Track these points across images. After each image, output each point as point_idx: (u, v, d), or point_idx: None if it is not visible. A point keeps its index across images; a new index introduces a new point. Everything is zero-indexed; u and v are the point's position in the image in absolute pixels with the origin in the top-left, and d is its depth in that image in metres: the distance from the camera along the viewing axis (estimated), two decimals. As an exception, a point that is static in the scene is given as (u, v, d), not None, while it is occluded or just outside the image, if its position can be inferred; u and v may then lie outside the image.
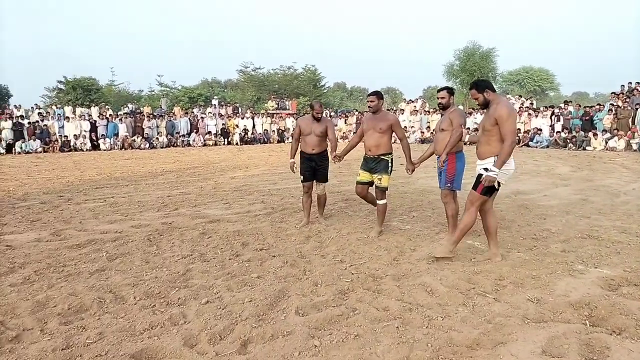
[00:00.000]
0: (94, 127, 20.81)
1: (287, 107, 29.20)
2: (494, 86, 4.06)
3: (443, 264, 4.03)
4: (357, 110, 28.20)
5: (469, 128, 19.45)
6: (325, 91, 40.68)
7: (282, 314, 3.09)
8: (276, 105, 28.35)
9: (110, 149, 19.86)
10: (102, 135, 20.52)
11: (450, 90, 4.82)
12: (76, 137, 20.07)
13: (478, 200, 3.96)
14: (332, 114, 29.49)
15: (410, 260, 4.17)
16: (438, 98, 4.85)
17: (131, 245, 4.80)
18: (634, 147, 15.65)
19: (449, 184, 4.67)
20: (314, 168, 5.59)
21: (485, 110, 4.09)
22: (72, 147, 19.63)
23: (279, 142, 23.74)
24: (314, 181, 5.66)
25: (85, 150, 19.57)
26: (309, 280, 3.68)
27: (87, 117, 21.61)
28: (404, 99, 28.84)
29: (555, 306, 3.12)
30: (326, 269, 3.94)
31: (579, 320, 2.92)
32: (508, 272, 3.80)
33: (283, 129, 24.71)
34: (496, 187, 3.95)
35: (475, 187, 3.98)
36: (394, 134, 5.08)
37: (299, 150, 5.70)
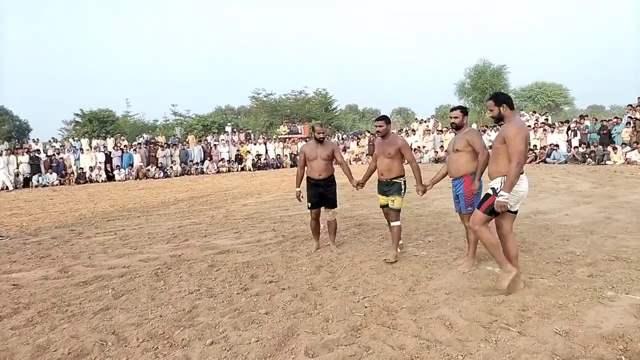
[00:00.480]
0: (108, 159, 21.07)
1: (299, 131, 29.30)
2: (513, 103, 3.88)
3: (462, 294, 3.81)
4: (369, 132, 28.14)
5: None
6: (337, 114, 40.84)
7: (290, 354, 2.90)
8: (288, 130, 28.48)
9: (125, 180, 20.02)
10: (117, 166, 20.74)
11: (463, 110, 4.70)
12: (91, 168, 20.32)
13: (482, 219, 3.77)
14: (344, 136, 29.53)
15: (427, 290, 3.95)
16: (451, 117, 4.74)
17: (138, 281, 4.67)
18: (656, 159, 15.18)
19: (469, 208, 4.49)
20: (322, 194, 5.47)
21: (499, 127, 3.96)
22: (87, 179, 19.84)
23: (291, 166, 23.71)
24: (322, 207, 5.55)
25: (100, 181, 19.76)
26: (319, 316, 3.49)
27: (102, 149, 21.92)
28: (416, 119, 28.70)
29: (586, 339, 2.88)
30: (338, 302, 3.75)
31: (614, 356, 2.68)
32: (532, 301, 3.57)
33: (295, 153, 24.72)
34: (511, 210, 3.76)
35: (479, 206, 3.82)
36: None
37: (304, 177, 5.61)
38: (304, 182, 5.59)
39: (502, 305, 3.52)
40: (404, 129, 27.78)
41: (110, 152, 21.50)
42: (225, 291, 4.22)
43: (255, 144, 24.81)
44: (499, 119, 3.87)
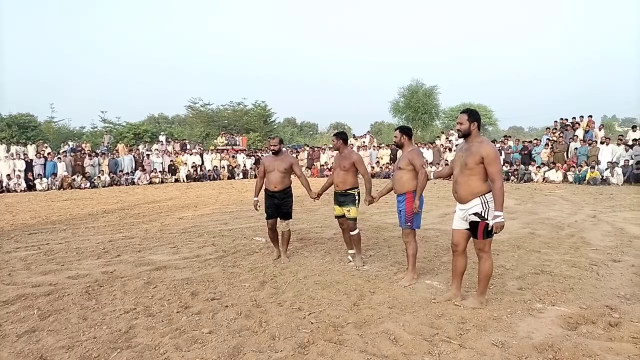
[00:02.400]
0: (29, 167, 19.55)
1: (238, 143, 28.86)
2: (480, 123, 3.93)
3: (404, 308, 3.91)
4: (307, 146, 28.33)
5: (431, 163, 19.98)
6: (275, 127, 40.78)
7: (237, 375, 2.82)
8: (226, 141, 27.96)
9: (48, 190, 18.66)
10: (39, 174, 19.29)
11: (403, 130, 4.87)
12: (9, 177, 18.75)
13: (486, 244, 3.82)
14: (284, 149, 29.47)
15: (370, 305, 4.02)
16: (393, 137, 4.99)
17: (67, 300, 4.34)
18: (570, 179, 16.58)
19: (409, 223, 4.65)
20: (277, 205, 5.66)
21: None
22: (4, 188, 18.27)
23: (229, 178, 23.30)
24: (277, 218, 5.73)
25: (19, 191, 18.27)
26: (265, 334, 3.43)
27: (22, 156, 20.31)
28: (353, 135, 29.32)
29: (520, 350, 3.06)
30: (284, 319, 3.71)
31: (546, 365, 2.86)
32: (470, 313, 3.74)
33: (234, 166, 24.33)
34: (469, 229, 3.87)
35: (475, 235, 3.82)
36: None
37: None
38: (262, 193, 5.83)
39: (442, 319, 3.66)
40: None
41: (31, 160, 19.97)
42: (164, 310, 4.03)
43: (191, 155, 24.12)
44: (465, 135, 3.88)
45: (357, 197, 5.36)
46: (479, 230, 3.77)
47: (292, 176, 5.81)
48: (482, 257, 3.87)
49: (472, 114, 3.88)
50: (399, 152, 5.00)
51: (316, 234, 7.40)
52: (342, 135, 5.50)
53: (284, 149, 5.98)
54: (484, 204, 3.72)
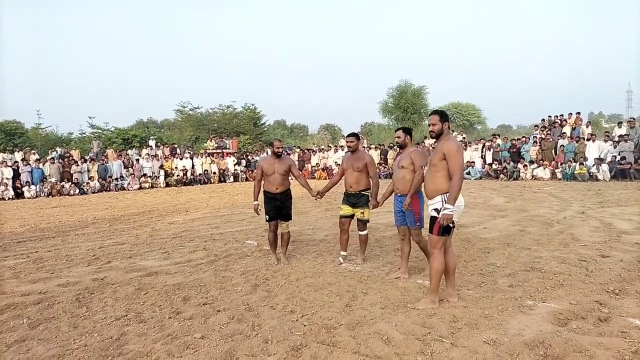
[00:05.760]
0: (17, 174, 19.32)
1: (228, 146, 28.75)
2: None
3: (396, 308, 3.92)
4: (298, 148, 28.31)
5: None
6: (265, 129, 40.69)
7: (230, 380, 2.81)
8: (216, 145, 27.85)
9: (36, 197, 18.45)
10: (27, 182, 19.07)
11: (406, 130, 4.93)
12: (-4, 184, 18.50)
13: (438, 241, 3.87)
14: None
15: (363, 306, 4.02)
16: (395, 137, 5.01)
17: (57, 308, 4.30)
18: (559, 175, 16.75)
19: (418, 223, 4.73)
20: (279, 207, 5.68)
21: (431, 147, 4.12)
22: (-9, 196, 18.02)
23: (219, 182, 23.22)
24: (279, 220, 5.75)
25: (7, 199, 18.04)
26: (258, 337, 3.42)
27: (9, 163, 20.06)
28: (343, 136, 29.36)
29: (511, 347, 3.08)
30: (276, 322, 3.70)
31: (537, 361, 2.88)
32: (461, 312, 3.76)
33: (224, 169, 24.24)
34: (451, 225, 3.90)
35: (431, 230, 3.89)
36: None
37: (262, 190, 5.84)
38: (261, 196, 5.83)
39: (434, 318, 3.67)
40: (334, 145, 28.25)
41: (18, 167, 19.72)
42: (156, 316, 4.01)
43: (181, 159, 23.99)
44: (438, 135, 3.97)
45: (370, 199, 5.41)
46: (435, 226, 3.83)
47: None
48: (433, 254, 3.92)
49: (443, 115, 4.03)
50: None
51: (308, 236, 7.40)
52: (358, 137, 5.60)
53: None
54: (443, 201, 3.80)
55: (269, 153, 5.92)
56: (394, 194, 4.97)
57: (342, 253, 5.62)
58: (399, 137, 4.90)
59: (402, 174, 4.76)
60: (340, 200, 5.71)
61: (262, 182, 5.79)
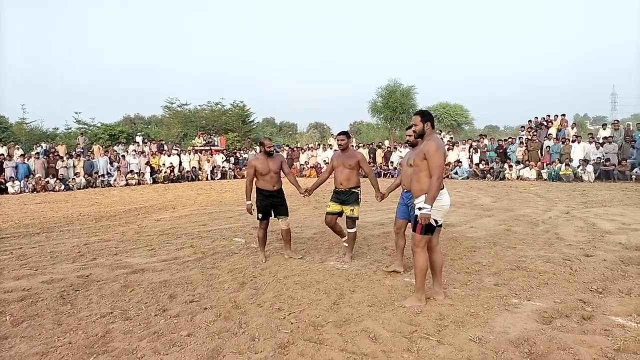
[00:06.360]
0: (0, 169, 18.98)
1: (216, 143, 28.59)
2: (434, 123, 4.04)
3: (383, 306, 3.94)
4: (287, 146, 28.26)
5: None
6: (254, 127, 40.53)
7: (216, 377, 2.80)
8: (204, 142, 27.67)
9: (20, 193, 18.16)
10: (11, 177, 18.76)
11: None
12: (-21, 180, 18.17)
13: (421, 241, 3.90)
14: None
15: (350, 304, 4.03)
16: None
17: (41, 305, 4.24)
18: (544, 176, 16.96)
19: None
20: (274, 204, 5.72)
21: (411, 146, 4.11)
22: (-27, 192, 17.70)
23: (208, 179, 23.10)
24: (270, 218, 5.82)
25: (-11, 194, 17.74)
26: (245, 335, 3.41)
27: (-8, 158, 19.71)
28: (332, 134, 29.38)
29: (497, 345, 3.11)
30: (264, 320, 3.69)
31: (521, 359, 2.92)
32: (447, 310, 3.79)
33: (213, 166, 24.10)
34: (435, 224, 3.93)
35: (414, 229, 3.92)
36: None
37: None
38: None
39: (420, 316, 3.70)
40: (322, 144, 28.25)
41: (2, 162, 19.39)
42: (142, 313, 3.97)
43: (169, 156, 23.80)
44: (420, 135, 4.02)
45: (360, 196, 5.48)
46: (419, 224, 3.84)
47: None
48: (416, 253, 3.94)
49: (425, 115, 4.00)
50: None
51: (296, 234, 7.39)
52: (349, 135, 5.66)
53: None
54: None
55: (258, 152, 5.89)
56: (402, 189, 4.97)
57: (344, 239, 5.69)
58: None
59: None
60: (328, 198, 5.73)
61: (254, 181, 5.74)
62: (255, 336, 3.38)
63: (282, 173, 5.81)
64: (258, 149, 28.93)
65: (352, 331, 3.42)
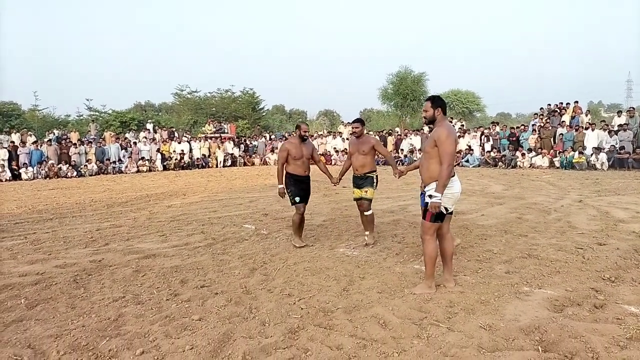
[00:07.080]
0: (14, 155, 19.24)
1: (226, 131, 28.64)
2: (446, 109, 3.95)
3: (393, 292, 3.94)
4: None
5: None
6: (264, 114, 40.52)
7: (227, 361, 2.83)
8: (214, 129, 27.74)
9: (33, 179, 18.41)
10: (24, 163, 19.01)
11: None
12: (-7, 166, 18.43)
13: (430, 228, 3.88)
14: (273, 137, 29.37)
15: (360, 290, 4.04)
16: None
17: (55, 289, 4.30)
18: (557, 164, 16.77)
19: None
20: (306, 189, 5.78)
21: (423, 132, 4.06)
22: (-12, 178, 17.98)
23: (219, 166, 23.20)
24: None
25: (4, 180, 18.00)
26: (255, 320, 3.44)
27: (6, 145, 19.96)
28: (342, 122, 29.24)
29: (507, 332, 3.10)
30: (274, 305, 3.71)
31: (532, 347, 2.90)
32: (457, 297, 3.77)
33: (225, 152, 24.17)
34: (445, 212, 3.90)
35: (424, 216, 3.90)
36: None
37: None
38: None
39: (430, 303, 3.69)
40: (332, 131, 28.16)
41: (16, 149, 19.62)
42: (154, 297, 4.02)
43: (179, 143, 23.91)
44: (431, 121, 3.95)
45: (375, 180, 5.67)
46: (429, 211, 3.81)
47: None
48: (425, 240, 3.93)
49: (436, 101, 3.93)
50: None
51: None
52: (363, 122, 5.80)
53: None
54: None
55: (293, 136, 5.86)
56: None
57: (366, 233, 5.76)
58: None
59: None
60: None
61: (286, 165, 5.70)
62: (265, 321, 3.41)
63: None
64: (266, 136, 29.00)
65: (361, 317, 3.43)
